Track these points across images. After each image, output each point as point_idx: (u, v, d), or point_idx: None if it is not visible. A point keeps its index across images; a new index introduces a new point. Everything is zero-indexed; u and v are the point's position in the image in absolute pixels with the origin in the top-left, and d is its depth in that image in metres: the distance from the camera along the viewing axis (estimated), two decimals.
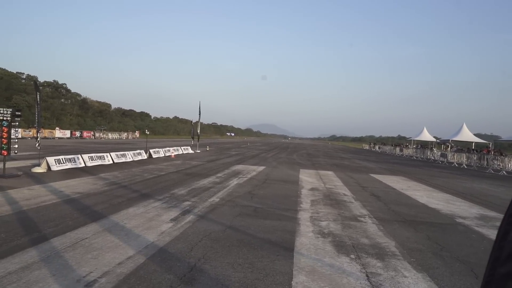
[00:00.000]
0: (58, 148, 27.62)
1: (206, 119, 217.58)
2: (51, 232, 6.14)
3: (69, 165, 15.22)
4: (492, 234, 7.73)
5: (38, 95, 13.94)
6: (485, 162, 31.66)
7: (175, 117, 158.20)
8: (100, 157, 17.67)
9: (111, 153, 18.87)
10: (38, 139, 14.17)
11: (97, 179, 12.68)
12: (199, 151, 32.49)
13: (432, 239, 7.07)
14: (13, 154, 12.95)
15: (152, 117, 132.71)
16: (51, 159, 14.45)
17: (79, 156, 16.32)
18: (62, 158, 15.08)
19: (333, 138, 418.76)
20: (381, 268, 5.32)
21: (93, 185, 11.34)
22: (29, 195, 9.17)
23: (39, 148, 14.33)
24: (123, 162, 19.18)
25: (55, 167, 14.36)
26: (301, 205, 9.87)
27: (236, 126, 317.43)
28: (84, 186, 11.15)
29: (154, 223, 7.07)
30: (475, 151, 38.90)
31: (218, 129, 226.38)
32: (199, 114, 33.23)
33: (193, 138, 36.97)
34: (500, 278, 1.07)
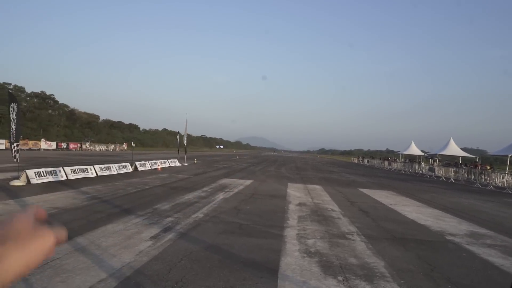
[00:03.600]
0: (42, 160, 26.94)
1: (195, 131, 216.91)
2: None
3: (50, 178, 14.72)
4: (483, 252, 7.53)
5: (15, 106, 13.46)
6: (473, 177, 31.77)
7: (164, 129, 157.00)
8: (83, 170, 17.19)
9: (95, 166, 18.39)
10: (15, 152, 13.66)
11: (78, 193, 12.22)
12: (186, 164, 32.04)
13: (422, 259, 6.83)
14: None
15: (141, 129, 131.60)
16: (30, 172, 13.95)
17: (60, 168, 15.83)
18: (42, 171, 14.58)
19: (322, 151, 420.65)
20: None
21: (72, 200, 10.89)
22: (2, 211, 8.73)
23: (15, 160, 13.84)
24: (107, 175, 18.68)
25: (34, 180, 13.87)
26: (288, 221, 9.57)
27: (225, 139, 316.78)
28: (63, 200, 10.70)
29: (133, 242, 6.70)
30: (462, 165, 39.12)
31: (207, 142, 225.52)
32: (186, 126, 32.76)
33: (178, 151, 36.24)
34: None
